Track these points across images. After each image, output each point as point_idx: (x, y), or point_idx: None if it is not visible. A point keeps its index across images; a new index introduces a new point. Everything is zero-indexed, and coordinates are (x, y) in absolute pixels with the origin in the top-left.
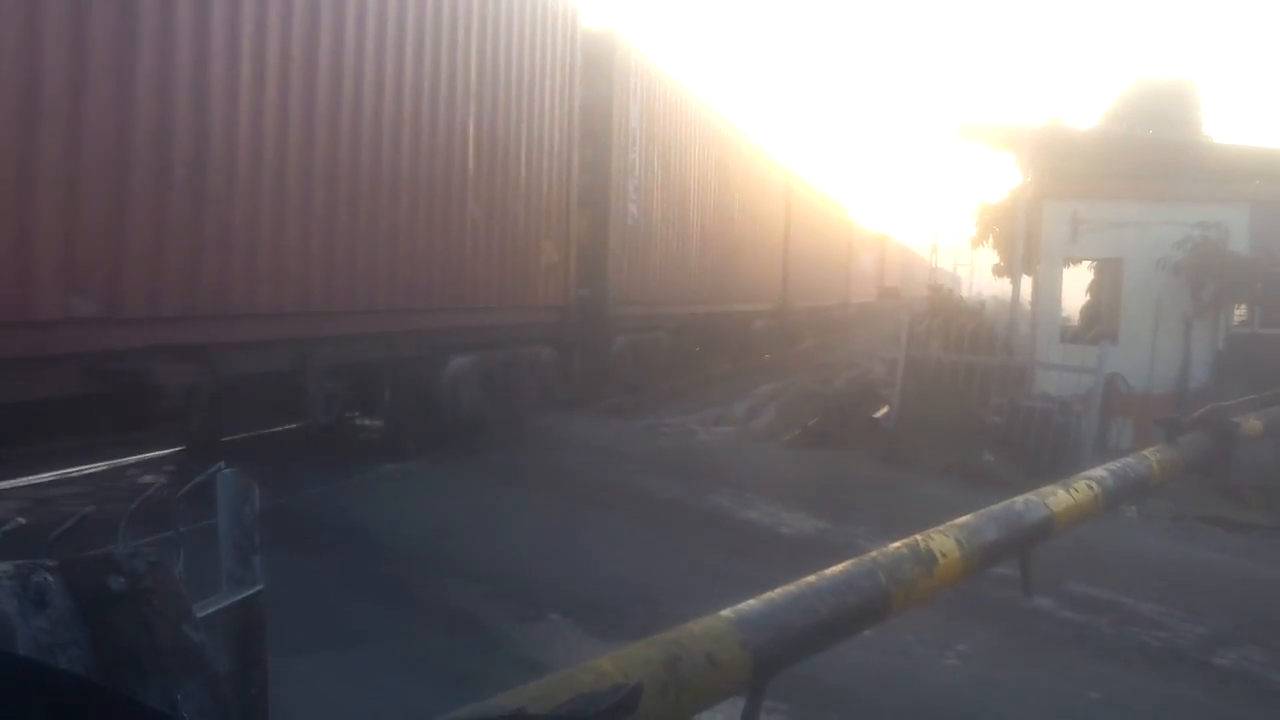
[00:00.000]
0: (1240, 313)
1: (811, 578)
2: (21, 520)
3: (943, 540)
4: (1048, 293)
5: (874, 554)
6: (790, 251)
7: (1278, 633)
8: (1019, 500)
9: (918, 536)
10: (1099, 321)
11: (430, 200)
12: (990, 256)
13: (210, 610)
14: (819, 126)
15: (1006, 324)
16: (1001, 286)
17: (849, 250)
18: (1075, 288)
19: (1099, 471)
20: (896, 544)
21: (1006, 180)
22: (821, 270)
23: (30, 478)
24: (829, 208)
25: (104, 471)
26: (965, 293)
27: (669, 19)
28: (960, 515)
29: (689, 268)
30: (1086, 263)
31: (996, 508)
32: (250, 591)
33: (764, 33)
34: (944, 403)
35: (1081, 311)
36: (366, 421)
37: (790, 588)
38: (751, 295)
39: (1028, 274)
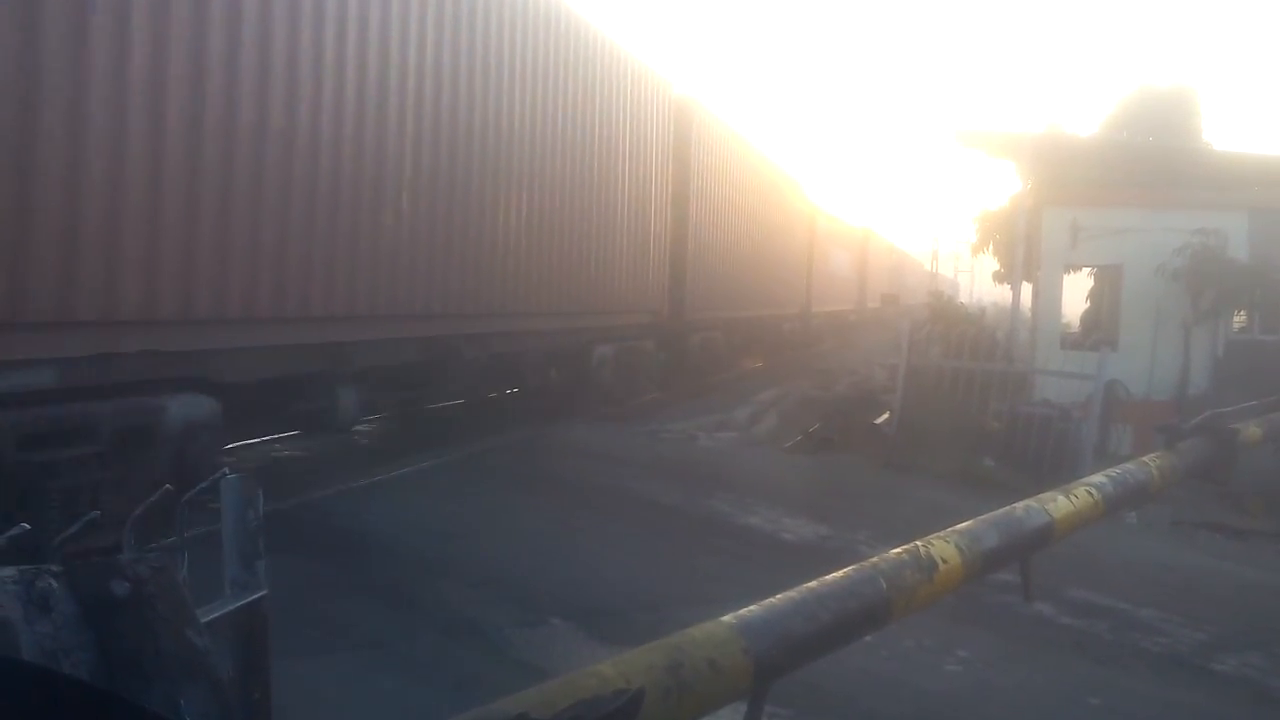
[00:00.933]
0: (1240, 319)
1: (813, 583)
2: (25, 525)
3: (943, 546)
4: (1048, 299)
5: (875, 560)
6: (695, 233)
7: (1278, 638)
8: (1019, 506)
9: (919, 542)
10: (1099, 328)
11: None
12: (991, 263)
13: (214, 615)
14: (818, 132)
15: (1007, 330)
16: (1002, 293)
17: (810, 244)
18: (1076, 294)
19: (1099, 478)
20: (897, 550)
21: (1007, 187)
22: (758, 266)
23: None
24: (774, 177)
25: None
26: (964, 299)
27: (670, 22)
28: (961, 521)
29: (367, 243)
30: (1087, 269)
31: (997, 514)
32: (254, 596)
33: (763, 36)
34: (945, 409)
35: (1082, 318)
36: None
37: (792, 593)
38: (599, 300)
39: (1028, 281)
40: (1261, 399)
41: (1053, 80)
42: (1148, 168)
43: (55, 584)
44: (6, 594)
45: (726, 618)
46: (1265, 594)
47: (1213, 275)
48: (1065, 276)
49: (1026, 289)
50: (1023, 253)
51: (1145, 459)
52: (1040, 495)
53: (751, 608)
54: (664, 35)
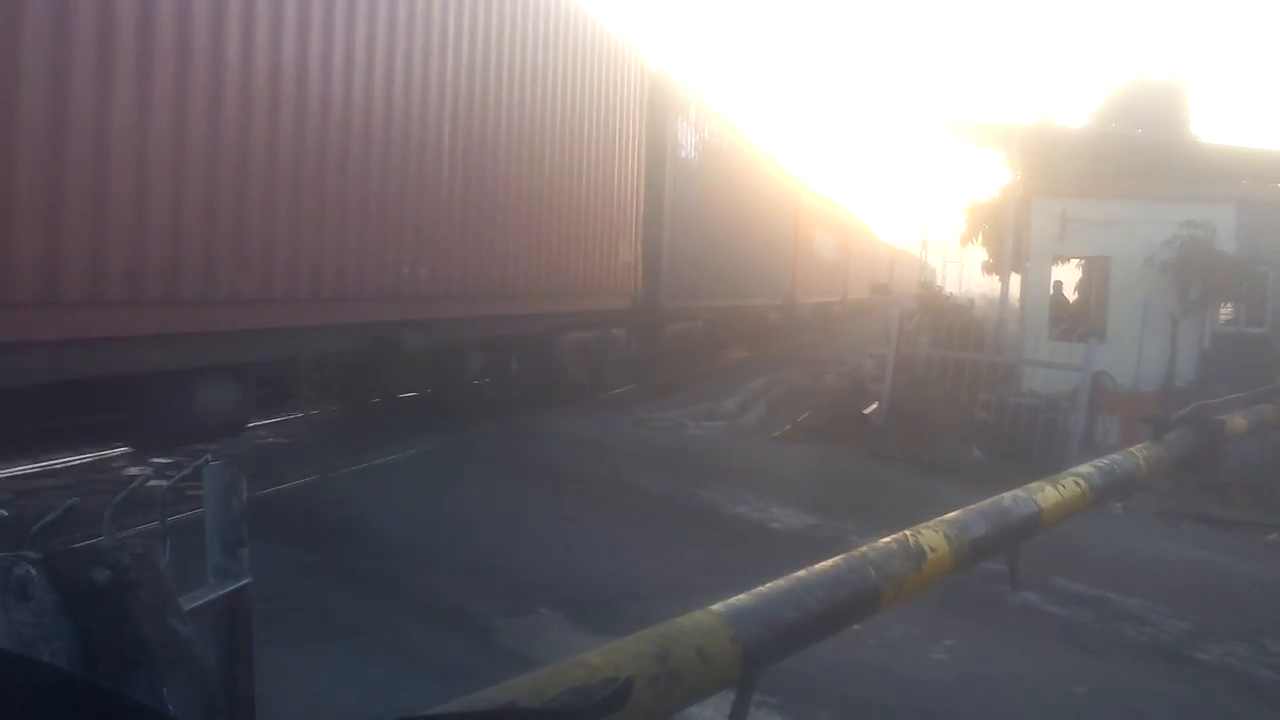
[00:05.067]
0: (1226, 311)
1: (801, 572)
2: (4, 512)
3: (932, 535)
4: (1036, 290)
5: (864, 549)
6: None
7: (1261, 628)
8: (1007, 496)
9: (907, 532)
10: (1085, 319)
11: None
12: (980, 254)
13: (197, 603)
14: (807, 120)
15: (995, 321)
16: (990, 284)
17: (795, 232)
18: (1065, 285)
19: (1086, 468)
20: (886, 539)
21: (996, 177)
22: (743, 253)
23: (13, 469)
24: (762, 161)
25: (89, 463)
26: (953, 290)
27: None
28: (949, 511)
29: None
30: (1075, 261)
31: (985, 503)
32: (237, 584)
33: (753, 20)
34: (933, 399)
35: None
36: None
37: (780, 582)
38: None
39: (1017, 271)
40: (1247, 391)
41: (1043, 71)
42: (1137, 160)
43: (33, 571)
44: None
45: (715, 606)
46: (1249, 584)
47: (1200, 267)
48: (1054, 267)
49: (1015, 279)
50: (1012, 243)
51: (1132, 450)
52: (1028, 485)
53: (740, 596)
54: (648, 13)
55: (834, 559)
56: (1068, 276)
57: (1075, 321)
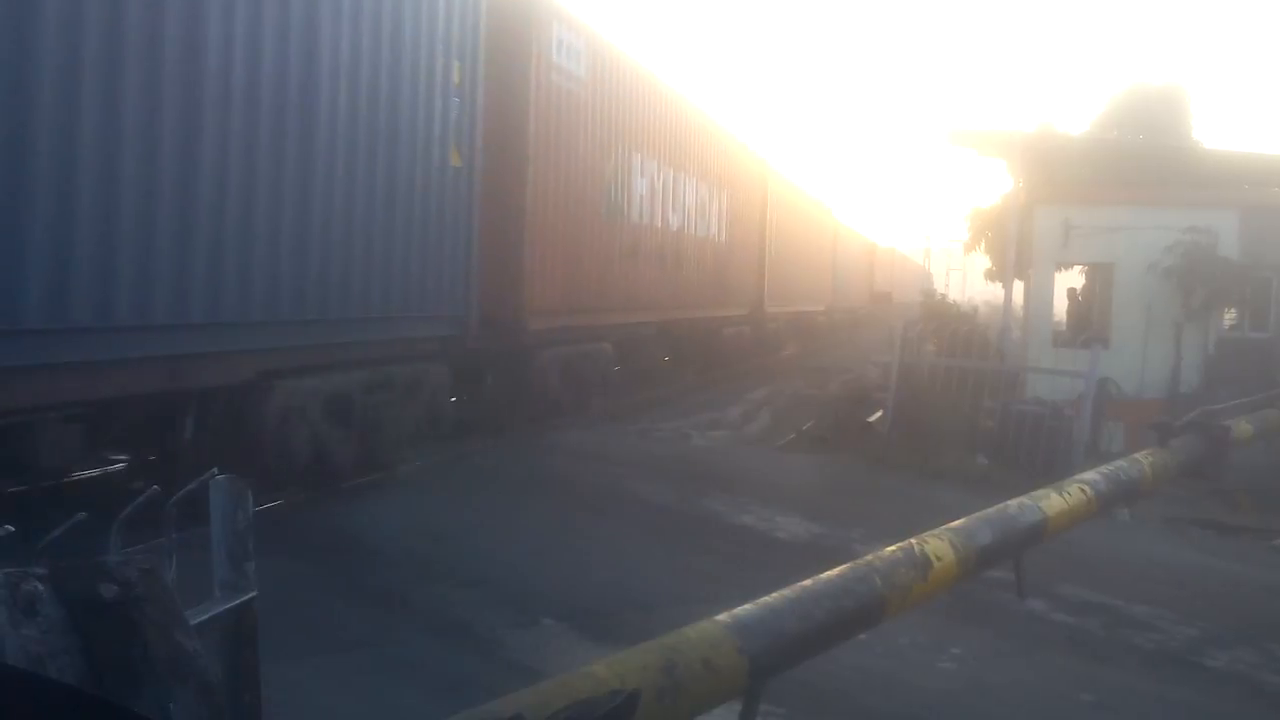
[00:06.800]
0: (1230, 317)
1: (807, 582)
2: (10, 528)
3: (937, 544)
4: (1040, 297)
5: (869, 558)
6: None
7: (1268, 634)
8: (1013, 504)
9: (913, 540)
10: (1089, 325)
11: None
12: (983, 261)
13: (203, 618)
14: (810, 130)
15: (999, 328)
16: (994, 291)
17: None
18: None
19: (1092, 475)
20: (892, 548)
21: (998, 185)
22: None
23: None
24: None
25: (95, 477)
26: (957, 298)
27: (659, 12)
28: (955, 519)
29: None
30: (1078, 267)
31: (990, 511)
32: (243, 599)
33: (755, 34)
34: (938, 407)
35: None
36: None
37: (786, 592)
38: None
39: (1020, 279)
40: (1252, 396)
41: (1044, 79)
42: (1139, 166)
43: (41, 587)
44: None
45: (721, 617)
46: (1256, 590)
47: (1204, 273)
48: (1058, 274)
49: (1019, 287)
50: (1014, 251)
51: (1137, 456)
52: (1033, 493)
53: (746, 607)
54: (652, 23)
55: (839, 568)
56: (1073, 283)
57: (1079, 328)
